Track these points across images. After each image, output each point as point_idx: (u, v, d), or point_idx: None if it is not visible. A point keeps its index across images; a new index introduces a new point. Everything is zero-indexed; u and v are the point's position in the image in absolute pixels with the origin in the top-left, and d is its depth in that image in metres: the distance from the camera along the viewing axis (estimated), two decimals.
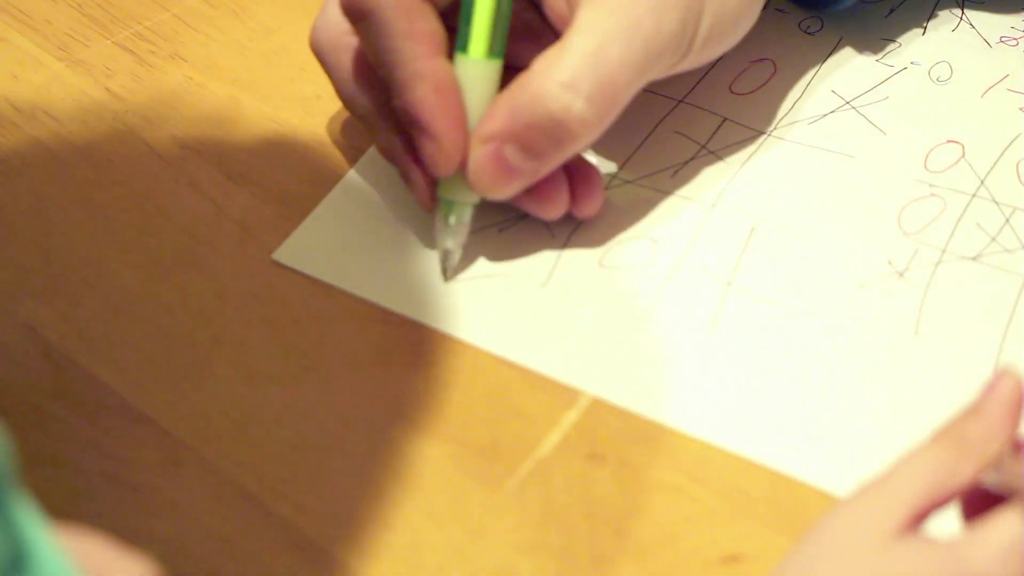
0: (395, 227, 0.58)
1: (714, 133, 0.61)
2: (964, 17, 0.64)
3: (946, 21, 0.65)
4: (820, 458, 0.50)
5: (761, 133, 0.60)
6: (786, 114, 0.61)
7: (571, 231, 0.57)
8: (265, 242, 0.58)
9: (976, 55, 0.63)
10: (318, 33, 0.57)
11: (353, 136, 0.62)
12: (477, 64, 0.54)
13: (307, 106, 0.63)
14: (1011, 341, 0.53)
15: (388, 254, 0.57)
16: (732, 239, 0.57)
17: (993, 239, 0.56)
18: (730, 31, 0.56)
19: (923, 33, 0.64)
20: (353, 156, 0.61)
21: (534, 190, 0.55)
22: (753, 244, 0.57)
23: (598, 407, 0.52)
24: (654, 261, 0.56)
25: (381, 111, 0.56)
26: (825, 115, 0.61)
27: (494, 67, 0.54)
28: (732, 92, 0.62)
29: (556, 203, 0.56)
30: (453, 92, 0.53)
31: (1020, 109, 0.61)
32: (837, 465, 0.50)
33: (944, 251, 0.56)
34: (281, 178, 0.60)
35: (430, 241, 0.57)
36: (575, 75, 0.52)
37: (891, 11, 0.65)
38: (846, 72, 0.63)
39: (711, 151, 0.60)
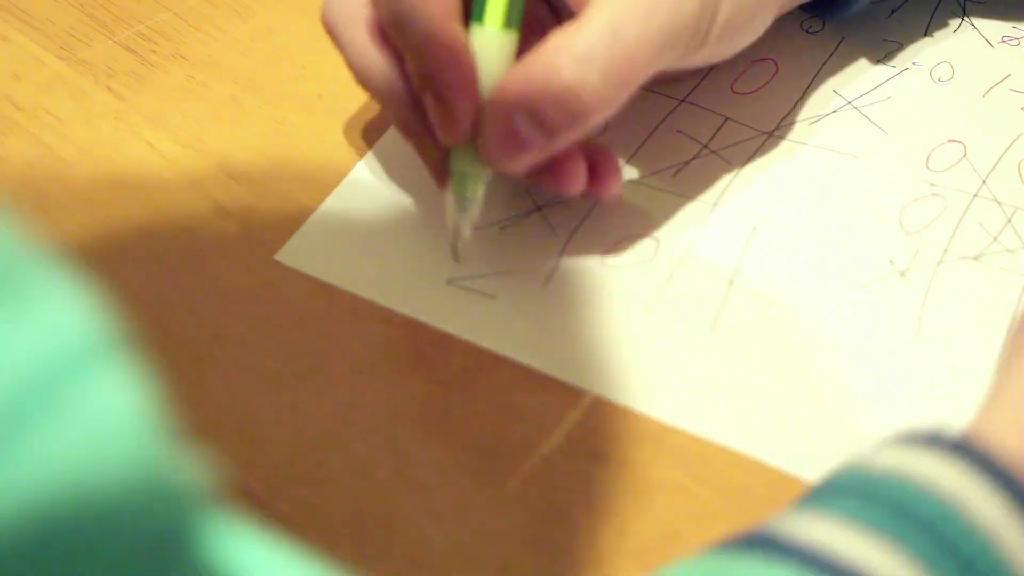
0: (397, 227, 0.58)
1: (716, 132, 0.61)
2: (966, 17, 0.64)
3: (948, 21, 0.65)
4: (822, 457, 0.50)
5: (763, 133, 0.60)
6: (788, 114, 0.61)
7: (573, 230, 0.57)
8: (266, 241, 0.58)
9: (978, 55, 0.63)
10: (330, 7, 0.57)
11: (355, 135, 0.62)
12: (492, 35, 0.53)
13: (309, 105, 0.63)
14: None
15: (390, 254, 0.57)
16: (734, 238, 0.57)
17: (995, 239, 0.56)
18: (747, 25, 0.56)
19: (924, 33, 0.64)
20: (355, 156, 0.61)
21: (551, 165, 0.55)
22: (755, 243, 0.57)
23: (600, 406, 0.52)
24: (656, 260, 0.56)
25: (395, 85, 0.55)
26: (827, 115, 0.61)
27: (510, 39, 0.53)
28: (734, 92, 0.62)
29: (573, 178, 0.55)
30: (465, 56, 0.52)
31: (1022, 109, 0.61)
32: (839, 464, 0.50)
33: (946, 251, 0.56)
34: (283, 178, 0.60)
35: (432, 240, 0.57)
36: (590, 49, 0.51)
37: (893, 12, 0.65)
38: (848, 72, 0.63)
39: (713, 151, 0.60)
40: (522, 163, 0.53)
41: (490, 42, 0.53)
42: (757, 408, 0.52)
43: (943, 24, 0.65)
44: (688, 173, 0.59)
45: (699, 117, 0.61)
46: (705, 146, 0.60)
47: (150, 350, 0.55)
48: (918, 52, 0.63)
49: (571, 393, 0.53)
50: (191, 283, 0.56)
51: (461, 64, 0.52)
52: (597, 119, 0.53)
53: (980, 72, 0.62)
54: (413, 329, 0.55)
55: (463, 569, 0.49)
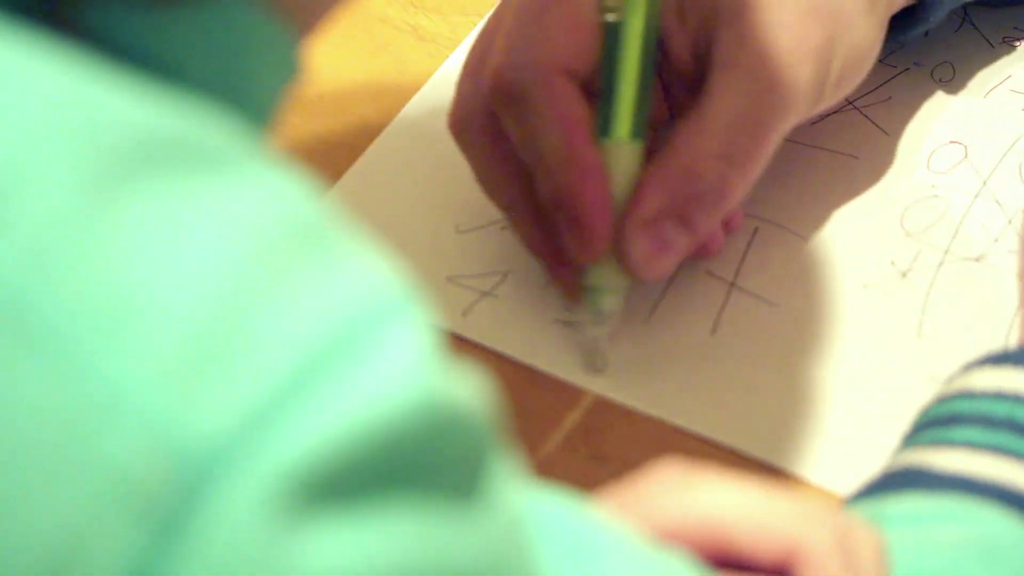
0: (396, 224, 0.58)
1: None
2: (967, 18, 0.64)
3: (949, 22, 0.64)
4: (823, 458, 0.50)
5: None
6: None
7: None
8: None
9: (979, 56, 0.63)
10: (457, 115, 0.55)
11: (353, 137, 0.61)
12: (620, 147, 0.52)
13: (308, 106, 0.63)
14: (1013, 342, 0.53)
15: (389, 251, 0.57)
16: (735, 239, 0.57)
17: (996, 240, 0.56)
18: (859, 71, 0.55)
19: (925, 34, 0.64)
20: (352, 157, 0.61)
21: None
22: (756, 244, 0.56)
23: (601, 406, 0.52)
24: None
25: (523, 201, 0.54)
26: (828, 115, 0.61)
27: (636, 149, 0.52)
28: None
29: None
30: (601, 178, 0.51)
31: (1023, 110, 0.61)
32: (840, 465, 0.50)
33: (947, 252, 0.56)
34: None
35: (431, 237, 0.57)
36: (726, 146, 0.51)
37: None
38: None
39: None
40: (670, 268, 0.52)
41: (619, 154, 0.52)
42: (758, 408, 0.52)
43: (944, 25, 0.64)
44: None
45: None
46: None
47: None
48: (919, 52, 0.63)
49: (572, 393, 0.53)
50: None
51: (598, 185, 0.51)
52: (735, 205, 0.52)
53: (981, 73, 0.62)
54: None
55: None
